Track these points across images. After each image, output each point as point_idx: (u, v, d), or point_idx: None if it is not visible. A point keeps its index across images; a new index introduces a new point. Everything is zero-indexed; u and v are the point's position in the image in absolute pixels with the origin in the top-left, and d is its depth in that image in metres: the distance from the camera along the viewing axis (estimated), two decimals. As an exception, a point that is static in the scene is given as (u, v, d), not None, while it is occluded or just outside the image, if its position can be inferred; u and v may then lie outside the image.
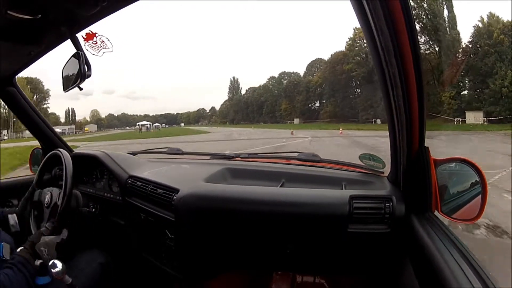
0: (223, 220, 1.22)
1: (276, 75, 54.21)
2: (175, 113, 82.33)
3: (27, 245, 1.08)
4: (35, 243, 1.09)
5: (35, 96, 54.20)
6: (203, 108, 77.30)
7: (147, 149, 2.06)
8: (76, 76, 1.02)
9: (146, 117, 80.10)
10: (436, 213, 0.96)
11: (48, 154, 1.49)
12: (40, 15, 0.86)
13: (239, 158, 1.68)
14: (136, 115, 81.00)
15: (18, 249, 1.07)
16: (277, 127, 35.39)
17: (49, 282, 1.07)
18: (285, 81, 51.61)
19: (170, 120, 77.58)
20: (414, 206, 1.02)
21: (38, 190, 1.41)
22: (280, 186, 1.34)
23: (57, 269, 1.02)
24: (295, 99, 47.39)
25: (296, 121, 45.00)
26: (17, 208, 1.42)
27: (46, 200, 1.33)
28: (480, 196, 0.90)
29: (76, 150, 1.91)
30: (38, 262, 1.05)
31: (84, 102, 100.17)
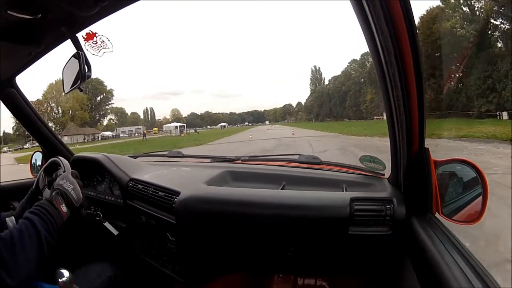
0: (224, 222, 1.22)
1: (358, 57, 45.66)
2: (262, 110, 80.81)
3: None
4: (53, 183, 1.09)
5: (98, 97, 56.47)
6: (289, 104, 73.73)
7: (147, 152, 2.06)
8: (76, 77, 1.02)
9: (231, 115, 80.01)
10: (436, 214, 0.95)
11: (47, 163, 1.48)
12: (40, 15, 0.86)
13: (239, 161, 1.68)
14: (221, 113, 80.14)
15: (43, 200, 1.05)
16: (355, 131, 20.83)
17: None
18: (369, 63, 40.75)
19: (257, 118, 76.20)
20: (415, 208, 1.01)
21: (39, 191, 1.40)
22: (281, 189, 1.34)
23: (64, 279, 1.01)
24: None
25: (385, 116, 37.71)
26: (15, 212, 1.41)
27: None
28: (480, 197, 0.89)
29: (77, 154, 1.91)
30: (60, 204, 1.03)
31: (173, 101, 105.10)
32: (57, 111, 49.70)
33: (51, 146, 1.83)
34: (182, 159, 1.87)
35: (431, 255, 0.79)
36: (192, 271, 1.34)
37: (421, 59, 0.76)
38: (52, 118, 48.28)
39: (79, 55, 0.97)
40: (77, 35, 0.97)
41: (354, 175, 1.37)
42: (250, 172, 1.51)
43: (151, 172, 1.62)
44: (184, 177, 1.53)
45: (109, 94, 58.41)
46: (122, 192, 1.55)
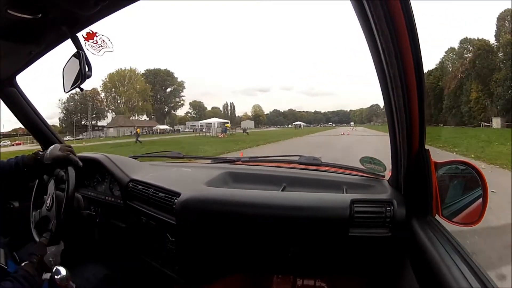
0: (224, 224, 1.21)
1: (456, 46, 34.52)
2: (347, 110, 76.20)
3: (36, 260, 1.04)
4: (43, 256, 1.06)
5: (168, 89, 54.29)
6: (376, 104, 66.97)
7: (148, 152, 2.06)
8: (76, 77, 1.01)
9: (316, 113, 76.37)
10: (436, 216, 0.95)
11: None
12: (40, 15, 0.86)
13: (240, 162, 1.68)
14: (305, 111, 76.22)
15: (23, 264, 1.02)
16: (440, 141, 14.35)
17: (50, 279, 1.05)
18: (471, 53, 31.63)
19: (342, 118, 72.20)
20: (415, 210, 1.01)
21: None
22: (282, 190, 1.33)
23: (60, 276, 1.01)
24: (491, 81, 27.96)
25: (496, 122, 25.31)
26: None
27: (47, 203, 1.32)
28: (480, 199, 0.89)
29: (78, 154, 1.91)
30: (47, 275, 1.02)
31: (261, 98, 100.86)
32: (119, 101, 48.88)
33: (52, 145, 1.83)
34: (182, 160, 1.87)
35: (431, 257, 0.78)
36: (192, 272, 1.34)
37: (421, 60, 0.75)
38: (112, 109, 46.97)
39: (80, 55, 0.97)
40: (77, 34, 0.97)
41: (355, 177, 1.36)
42: (251, 173, 1.51)
43: (152, 172, 1.62)
44: (185, 178, 1.53)
45: (179, 87, 56.16)
46: (122, 192, 1.54)
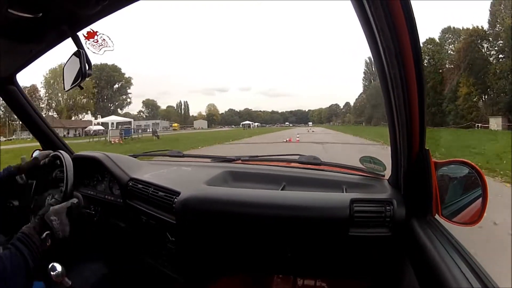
0: (224, 223, 1.22)
1: (437, 36, 31.38)
2: (306, 110, 75.17)
3: (36, 219, 1.05)
4: (44, 214, 1.06)
5: (116, 85, 49.65)
6: (336, 104, 66.93)
7: (148, 151, 2.06)
8: (76, 75, 1.02)
9: (273, 113, 75.42)
10: (436, 216, 0.95)
11: (49, 156, 1.48)
12: (41, 14, 0.86)
13: (240, 161, 1.68)
14: (261, 111, 75.32)
15: (24, 227, 1.03)
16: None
17: (45, 286, 1.06)
18: (453, 45, 28.95)
19: (300, 118, 70.99)
20: (415, 210, 1.01)
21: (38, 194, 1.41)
22: (281, 189, 1.34)
23: (56, 272, 1.01)
24: (488, 73, 24.68)
25: (495, 123, 22.36)
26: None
27: (46, 203, 1.32)
28: (480, 199, 0.89)
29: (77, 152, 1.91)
30: (44, 234, 1.01)
31: (219, 98, 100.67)
32: (60, 99, 43.18)
33: (51, 144, 1.83)
34: (182, 159, 1.87)
35: (431, 256, 0.79)
36: (192, 271, 1.34)
37: (422, 60, 0.76)
38: (53, 107, 42.46)
39: (80, 54, 0.97)
40: (78, 33, 0.97)
41: (354, 176, 1.37)
42: (250, 173, 1.51)
43: (151, 171, 1.62)
44: (184, 177, 1.53)
45: (127, 83, 51.65)
46: (122, 191, 1.54)
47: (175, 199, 1.26)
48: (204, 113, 66.25)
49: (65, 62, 1.09)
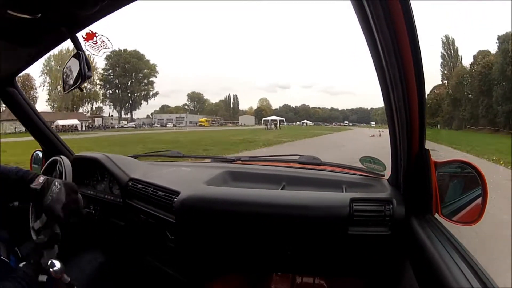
0: (224, 222, 1.22)
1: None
2: (368, 108, 69.70)
3: (34, 263, 1.04)
4: (40, 258, 1.06)
5: (141, 74, 44.13)
6: None
7: (148, 152, 2.07)
8: (76, 77, 1.01)
9: (332, 110, 71.48)
10: (436, 215, 0.95)
11: (48, 162, 1.48)
12: (39, 15, 0.86)
13: (239, 161, 1.68)
14: (320, 107, 71.15)
15: (21, 264, 1.03)
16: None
17: (46, 282, 1.06)
18: None
19: (361, 117, 66.50)
20: (415, 209, 1.01)
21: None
22: (281, 189, 1.34)
23: (55, 268, 1.02)
24: None
25: None
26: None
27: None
28: (480, 198, 0.90)
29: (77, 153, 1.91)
30: (44, 278, 1.02)
31: (280, 94, 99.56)
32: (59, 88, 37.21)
33: (51, 145, 1.83)
34: (182, 159, 1.87)
35: (430, 255, 0.79)
36: (191, 270, 1.35)
37: (421, 60, 0.75)
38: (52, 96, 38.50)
39: (79, 55, 0.97)
40: (77, 34, 0.96)
41: (354, 176, 1.37)
42: (250, 173, 1.51)
43: (151, 172, 1.62)
44: (184, 177, 1.53)
45: (152, 71, 46.10)
46: (121, 191, 1.55)
47: (175, 199, 1.27)
48: (254, 108, 62.92)
49: (64, 64, 1.08)
